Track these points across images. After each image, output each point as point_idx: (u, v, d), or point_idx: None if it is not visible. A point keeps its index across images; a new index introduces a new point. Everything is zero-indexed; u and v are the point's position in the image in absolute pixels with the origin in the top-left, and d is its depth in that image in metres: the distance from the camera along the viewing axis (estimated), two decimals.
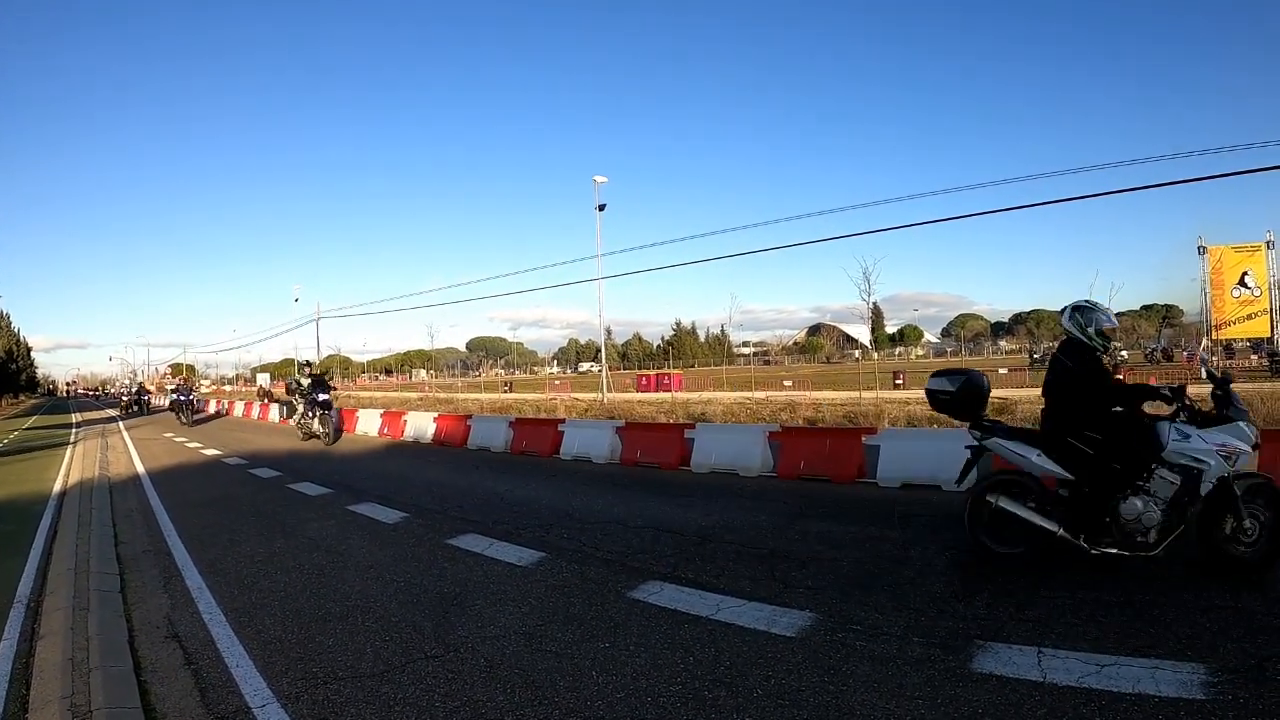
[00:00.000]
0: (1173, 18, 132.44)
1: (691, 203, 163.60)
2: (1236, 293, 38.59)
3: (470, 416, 16.81)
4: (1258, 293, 38.18)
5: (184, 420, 27.02)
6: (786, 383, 34.28)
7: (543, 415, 20.81)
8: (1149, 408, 5.12)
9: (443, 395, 40.74)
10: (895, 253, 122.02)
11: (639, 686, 3.58)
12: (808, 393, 27.18)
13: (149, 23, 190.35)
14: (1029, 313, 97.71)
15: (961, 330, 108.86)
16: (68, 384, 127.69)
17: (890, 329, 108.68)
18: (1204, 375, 5.75)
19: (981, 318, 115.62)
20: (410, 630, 4.56)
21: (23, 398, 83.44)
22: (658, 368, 75.42)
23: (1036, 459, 5.22)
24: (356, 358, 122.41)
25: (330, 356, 71.30)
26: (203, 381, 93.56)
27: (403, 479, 11.18)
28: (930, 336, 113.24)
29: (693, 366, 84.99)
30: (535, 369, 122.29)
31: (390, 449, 16.16)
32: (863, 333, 76.80)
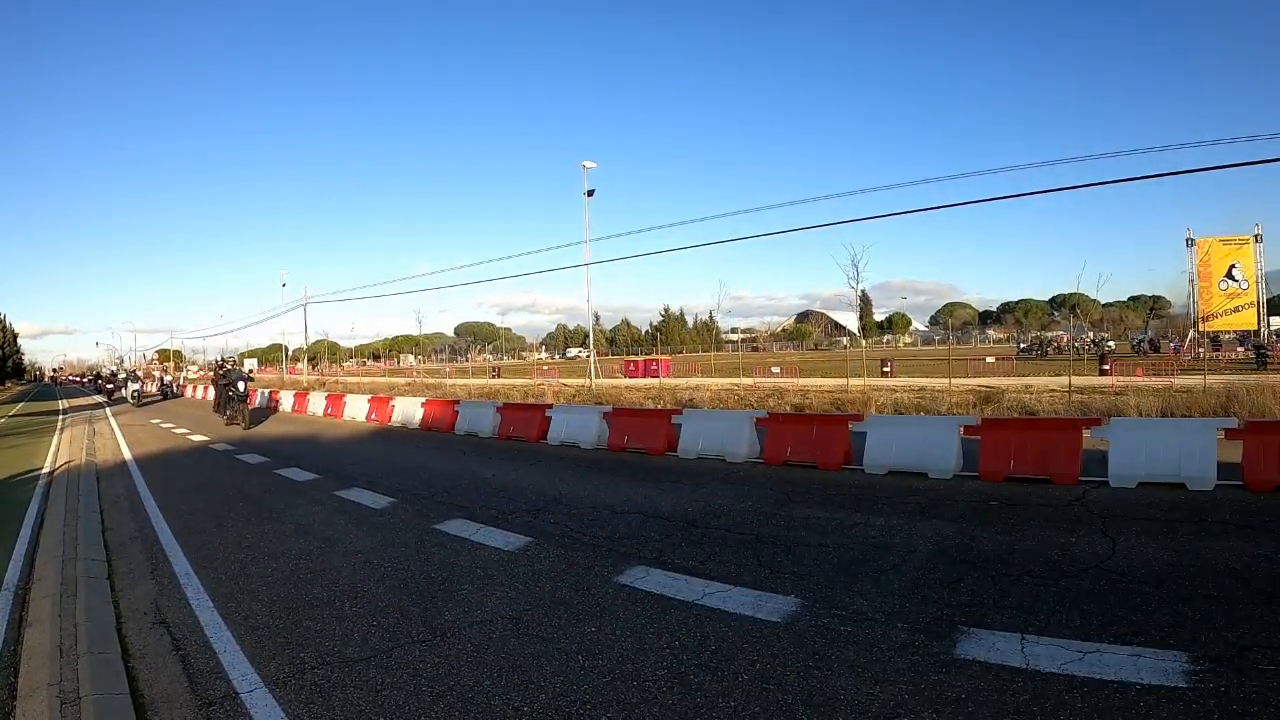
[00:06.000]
0: (1168, 10, 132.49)
1: (681, 189, 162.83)
2: (1224, 285, 38.79)
3: (458, 402, 16.78)
4: (1245, 285, 38.38)
5: (240, 423, 18.68)
6: (774, 369, 34.26)
7: (530, 401, 20.80)
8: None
9: (430, 381, 40.48)
10: (885, 241, 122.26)
11: (625, 670, 3.61)
12: (795, 379, 27.21)
13: (134, 11, 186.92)
14: (1017, 302, 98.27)
15: (949, 319, 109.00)
16: (54, 370, 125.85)
17: (879, 316, 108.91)
18: None
19: (970, 306, 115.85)
20: (397, 615, 4.57)
21: (9, 385, 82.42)
22: (646, 354, 75.24)
23: None
24: (345, 343, 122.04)
25: (318, 342, 70.77)
26: (190, 366, 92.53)
27: (390, 464, 11.16)
28: (919, 324, 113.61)
29: (681, 352, 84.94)
30: (523, 354, 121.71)
31: (377, 434, 16.12)
32: (851, 320, 77.07)
